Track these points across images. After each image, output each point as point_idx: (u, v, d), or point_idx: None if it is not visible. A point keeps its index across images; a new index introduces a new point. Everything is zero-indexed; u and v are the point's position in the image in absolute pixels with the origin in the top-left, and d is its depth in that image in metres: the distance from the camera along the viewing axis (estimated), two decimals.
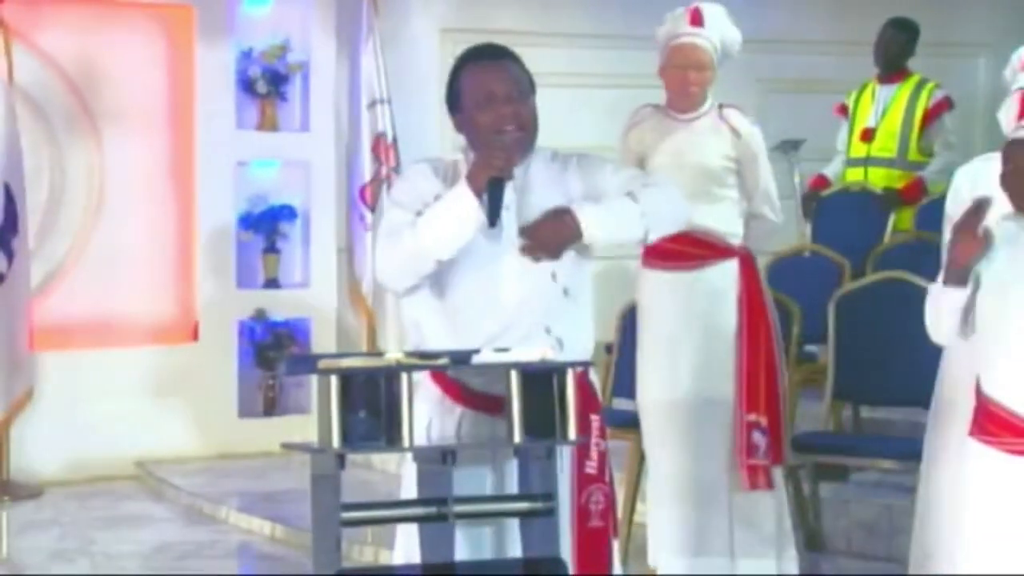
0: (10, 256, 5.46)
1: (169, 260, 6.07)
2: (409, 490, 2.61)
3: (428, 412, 2.64)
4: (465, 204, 2.54)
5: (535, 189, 2.65)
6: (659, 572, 3.90)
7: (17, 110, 5.46)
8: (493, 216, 2.55)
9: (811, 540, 4.28)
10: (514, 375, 2.39)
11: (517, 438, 2.39)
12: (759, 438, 3.77)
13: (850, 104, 5.82)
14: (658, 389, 3.89)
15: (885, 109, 5.70)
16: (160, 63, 6.03)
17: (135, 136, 5.98)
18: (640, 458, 4.43)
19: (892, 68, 5.72)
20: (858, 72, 6.08)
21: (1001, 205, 2.66)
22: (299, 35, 6.23)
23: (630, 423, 4.50)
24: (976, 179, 3.27)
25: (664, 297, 3.87)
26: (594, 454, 2.64)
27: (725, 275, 3.81)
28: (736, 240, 3.84)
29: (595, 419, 2.62)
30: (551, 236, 2.57)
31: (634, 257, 6.60)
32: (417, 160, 2.76)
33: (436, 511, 2.43)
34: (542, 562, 2.46)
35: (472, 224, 2.55)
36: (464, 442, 2.60)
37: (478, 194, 2.55)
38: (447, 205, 2.56)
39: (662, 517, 3.90)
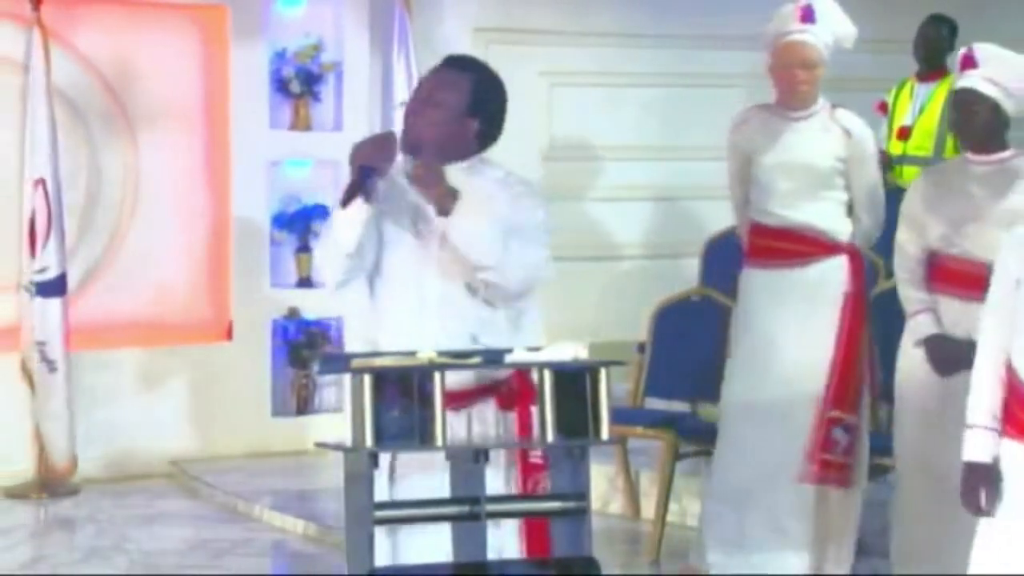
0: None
1: (203, 259, 6.10)
2: None
3: None
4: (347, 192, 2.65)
5: (466, 200, 2.66)
6: (713, 571, 3.85)
7: (55, 111, 5.53)
8: (345, 197, 2.64)
9: None
10: (547, 374, 2.38)
11: (550, 437, 2.38)
12: (840, 435, 3.69)
13: (890, 101, 5.76)
14: (744, 390, 3.79)
15: (922, 107, 5.63)
16: (194, 63, 6.07)
17: (170, 136, 6.02)
18: (673, 457, 4.41)
19: (932, 65, 5.65)
20: (894, 70, 6.02)
21: None
22: (332, 35, 6.25)
23: (662, 422, 4.49)
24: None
25: (768, 295, 3.79)
26: None
27: (833, 271, 3.74)
28: (844, 237, 3.77)
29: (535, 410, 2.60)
30: (423, 179, 2.65)
31: (664, 256, 6.62)
32: None
33: (468, 510, 2.42)
34: (574, 561, 2.45)
35: (355, 214, 2.63)
36: (493, 442, 2.60)
37: (351, 180, 2.64)
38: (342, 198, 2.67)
39: (728, 515, 3.81)
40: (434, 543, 2.55)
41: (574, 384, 2.39)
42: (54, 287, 5.48)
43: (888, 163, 5.72)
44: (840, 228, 3.78)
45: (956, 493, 3.24)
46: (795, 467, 3.71)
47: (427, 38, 6.15)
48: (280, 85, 6.18)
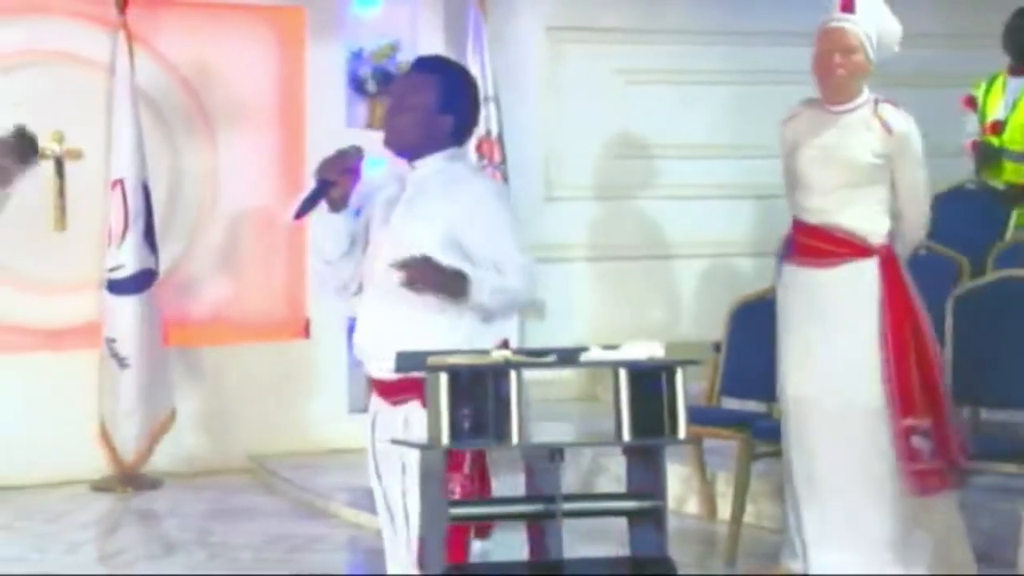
0: (157, 253, 5.65)
1: (281, 258, 6.18)
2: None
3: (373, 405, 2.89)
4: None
5: (428, 198, 2.78)
6: (796, 568, 3.82)
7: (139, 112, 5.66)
8: (298, 210, 2.82)
9: None
10: (623, 373, 2.37)
11: (626, 436, 2.37)
12: (920, 442, 3.64)
13: (979, 96, 5.64)
14: (795, 387, 3.80)
15: (1015, 101, 5.50)
16: (272, 64, 6.15)
17: (248, 136, 6.11)
18: (748, 458, 4.37)
19: (1023, 59, 5.52)
20: (975, 66, 5.91)
21: None
22: (408, 35, 6.30)
23: (738, 422, 4.45)
24: None
25: (800, 293, 3.79)
26: None
27: (862, 274, 3.70)
28: (878, 239, 3.72)
29: None
30: (431, 285, 2.67)
31: (740, 255, 6.56)
32: None
33: (544, 508, 2.42)
34: (650, 561, 2.44)
35: (331, 223, 2.83)
36: (569, 441, 2.60)
37: (315, 190, 2.81)
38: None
39: (805, 516, 3.79)
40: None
41: (650, 383, 2.38)
42: (127, 285, 5.58)
43: (984, 154, 5.58)
44: (876, 230, 3.72)
45: None
46: (862, 472, 3.67)
47: (501, 37, 6.17)
48: (356, 85, 6.24)
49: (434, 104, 2.81)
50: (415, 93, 2.82)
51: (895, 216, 3.74)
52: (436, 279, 2.67)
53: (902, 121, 3.73)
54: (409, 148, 2.83)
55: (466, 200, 2.77)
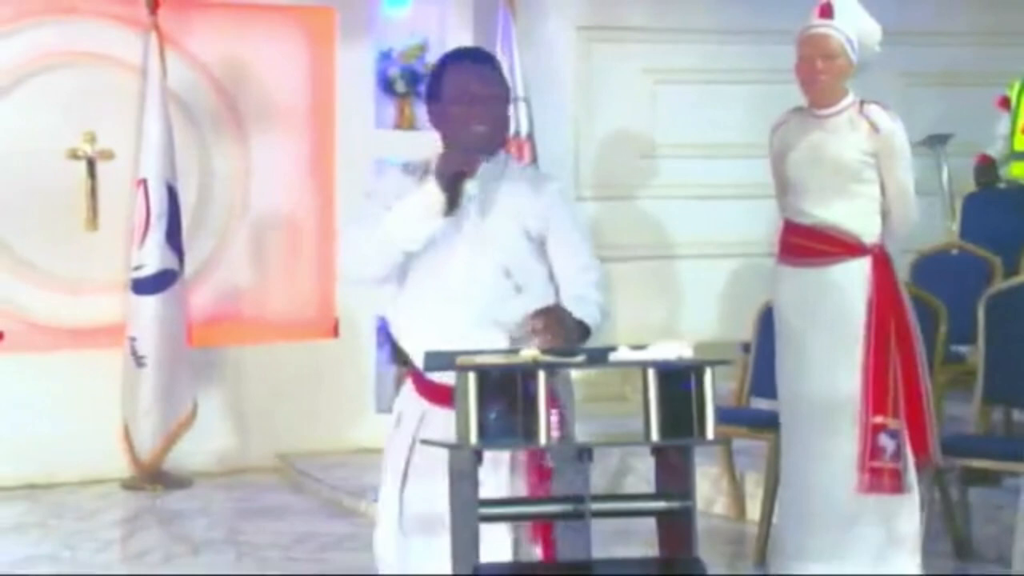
0: (181, 254, 5.68)
1: (309, 258, 6.21)
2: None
3: (399, 405, 2.84)
4: (432, 197, 2.66)
5: (502, 194, 2.73)
6: (774, 571, 3.83)
7: (169, 113, 5.69)
8: (450, 205, 2.67)
9: (959, 547, 4.14)
10: (651, 373, 2.37)
11: (655, 436, 2.36)
12: (887, 441, 3.68)
13: (1013, 96, 5.59)
14: (787, 387, 3.84)
15: None
16: (302, 64, 6.18)
17: (278, 136, 6.14)
18: (778, 458, 4.35)
19: None
20: (1006, 64, 5.86)
21: None
22: (437, 35, 6.31)
23: (767, 423, 4.43)
24: None
25: (793, 293, 3.83)
26: None
27: (854, 273, 3.74)
28: (871, 239, 3.75)
29: (553, 413, 2.54)
30: (561, 336, 2.59)
31: (769, 255, 6.53)
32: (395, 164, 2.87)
33: (572, 508, 2.42)
34: (679, 561, 2.43)
35: (436, 216, 2.67)
36: (594, 441, 2.59)
37: (444, 188, 2.66)
38: (417, 198, 2.68)
39: (784, 516, 3.85)
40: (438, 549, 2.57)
41: (679, 383, 2.37)
42: (147, 285, 5.60)
43: (993, 162, 5.55)
44: (867, 229, 3.75)
45: None
46: (845, 474, 3.68)
47: (530, 37, 6.17)
48: (385, 85, 6.25)
49: (507, 95, 2.79)
50: (497, 85, 2.76)
51: (884, 214, 3.77)
52: (567, 325, 2.61)
53: (889, 120, 3.76)
54: (500, 145, 2.76)
55: (547, 201, 2.74)
